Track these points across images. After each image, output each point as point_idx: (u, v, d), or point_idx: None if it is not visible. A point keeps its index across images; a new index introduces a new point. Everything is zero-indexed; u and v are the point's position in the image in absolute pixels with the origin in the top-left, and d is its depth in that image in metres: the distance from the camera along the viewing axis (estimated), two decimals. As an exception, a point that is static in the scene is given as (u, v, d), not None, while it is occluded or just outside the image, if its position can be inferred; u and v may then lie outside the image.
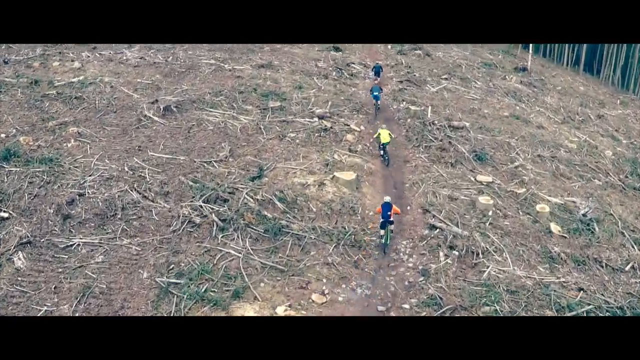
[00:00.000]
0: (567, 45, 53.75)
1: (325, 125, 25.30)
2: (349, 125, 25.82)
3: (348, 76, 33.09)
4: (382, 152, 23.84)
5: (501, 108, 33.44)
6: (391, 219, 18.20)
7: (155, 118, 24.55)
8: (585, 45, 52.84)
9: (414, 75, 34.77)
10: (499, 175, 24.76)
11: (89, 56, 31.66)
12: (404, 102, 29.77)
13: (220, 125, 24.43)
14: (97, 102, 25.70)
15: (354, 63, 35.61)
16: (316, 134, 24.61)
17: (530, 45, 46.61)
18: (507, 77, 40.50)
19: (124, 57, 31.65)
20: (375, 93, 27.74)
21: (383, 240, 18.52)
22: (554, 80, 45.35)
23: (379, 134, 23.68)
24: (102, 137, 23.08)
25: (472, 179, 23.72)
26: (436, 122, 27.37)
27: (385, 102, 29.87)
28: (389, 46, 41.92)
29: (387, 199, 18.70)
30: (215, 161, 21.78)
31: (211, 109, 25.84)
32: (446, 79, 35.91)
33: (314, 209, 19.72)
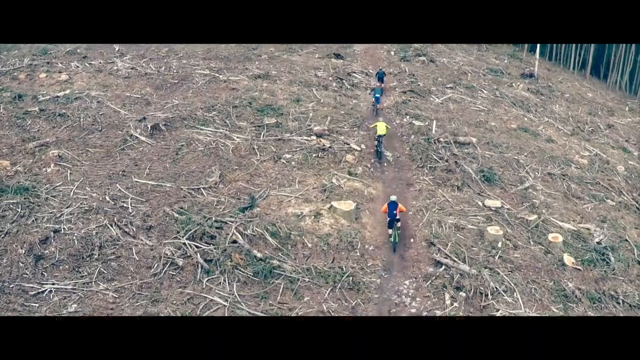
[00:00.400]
0: (573, 48, 51.51)
1: (324, 145, 23.30)
2: (348, 144, 23.80)
3: (349, 87, 31.03)
4: (376, 143, 23.61)
5: (509, 120, 31.40)
6: (397, 217, 18.24)
7: (142, 138, 22.57)
8: (592, 49, 50.60)
9: (418, 84, 32.69)
10: (508, 199, 22.78)
11: (78, 66, 29.63)
12: (408, 116, 27.74)
13: (211, 145, 22.46)
14: (81, 119, 23.71)
15: (355, 72, 33.50)
16: (314, 155, 22.61)
17: (537, 49, 44.37)
18: (514, 84, 38.39)
19: (115, 68, 29.64)
20: (377, 95, 27.73)
21: (392, 239, 18.40)
22: (561, 86, 43.17)
23: (376, 125, 23.67)
24: (85, 160, 21.13)
25: (480, 203, 21.74)
26: (441, 139, 25.32)
27: (387, 116, 27.85)
28: (392, 52, 39.78)
29: (393, 198, 18.89)
30: (203, 188, 19.84)
31: (202, 127, 23.87)
32: (451, 88, 33.83)
33: (309, 245, 17.78)
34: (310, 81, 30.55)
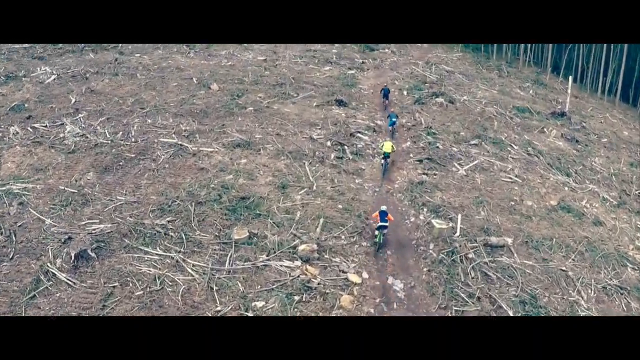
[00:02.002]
0: (601, 71, 42.28)
1: (311, 277, 15.37)
2: (345, 274, 15.85)
3: (351, 156, 22.72)
4: (382, 161, 22.09)
5: (547, 193, 23.09)
6: (387, 224, 17.43)
7: (62, 276, 14.63)
8: (622, 72, 41.32)
9: (437, 147, 24.22)
10: (561, 350, 14.91)
11: (17, 132, 21.60)
12: (425, 209, 19.51)
13: (154, 285, 14.62)
14: (-11, 237, 16.01)
15: (360, 130, 25.02)
16: (296, 299, 14.71)
17: (570, 82, 35.26)
18: (545, 129, 29.82)
19: (61, 135, 21.59)
20: (394, 119, 25.29)
21: (377, 240, 17.46)
22: (594, 123, 34.37)
23: (383, 144, 22.38)
24: (-29, 321, 13.54)
25: (527, 372, 13.90)
26: (470, 254, 17.27)
27: (399, 205, 19.73)
28: (404, 92, 31.08)
29: (384, 207, 17.84)
30: (128, 385, 12.20)
31: (148, 248, 15.92)
32: (476, 145, 25.43)
33: None
34: (303, 150, 22.20)
